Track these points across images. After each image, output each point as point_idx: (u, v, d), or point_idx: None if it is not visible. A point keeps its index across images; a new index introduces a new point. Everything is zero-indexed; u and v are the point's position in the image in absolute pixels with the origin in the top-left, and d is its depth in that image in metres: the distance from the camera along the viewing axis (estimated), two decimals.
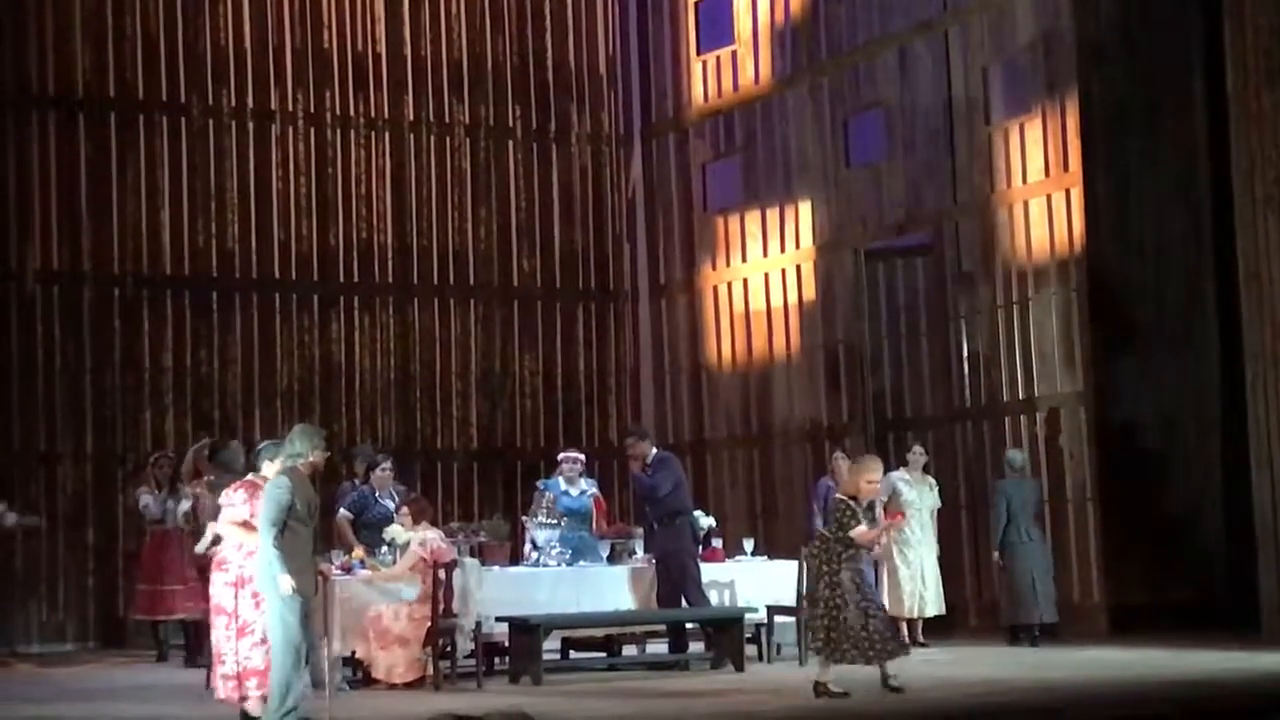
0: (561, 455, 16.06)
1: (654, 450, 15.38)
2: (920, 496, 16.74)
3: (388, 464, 15.45)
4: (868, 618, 12.20)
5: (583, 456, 16.20)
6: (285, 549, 10.86)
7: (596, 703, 12.54)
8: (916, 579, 16.54)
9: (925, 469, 17.08)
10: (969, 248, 18.92)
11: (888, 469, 17.44)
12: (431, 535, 13.94)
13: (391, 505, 15.05)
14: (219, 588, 11.62)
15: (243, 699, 11.43)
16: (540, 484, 15.96)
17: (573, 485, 15.66)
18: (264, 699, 11.22)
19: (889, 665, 12.29)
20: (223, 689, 11.59)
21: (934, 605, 16.70)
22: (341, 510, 15.13)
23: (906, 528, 16.56)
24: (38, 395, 19.48)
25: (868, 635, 12.16)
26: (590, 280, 22.74)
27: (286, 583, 10.83)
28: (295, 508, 10.96)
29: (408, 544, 13.86)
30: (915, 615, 16.59)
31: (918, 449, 17.17)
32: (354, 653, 13.72)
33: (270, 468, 11.43)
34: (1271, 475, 16.04)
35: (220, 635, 11.60)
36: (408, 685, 13.43)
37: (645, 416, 22.07)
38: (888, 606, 16.41)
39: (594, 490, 16.02)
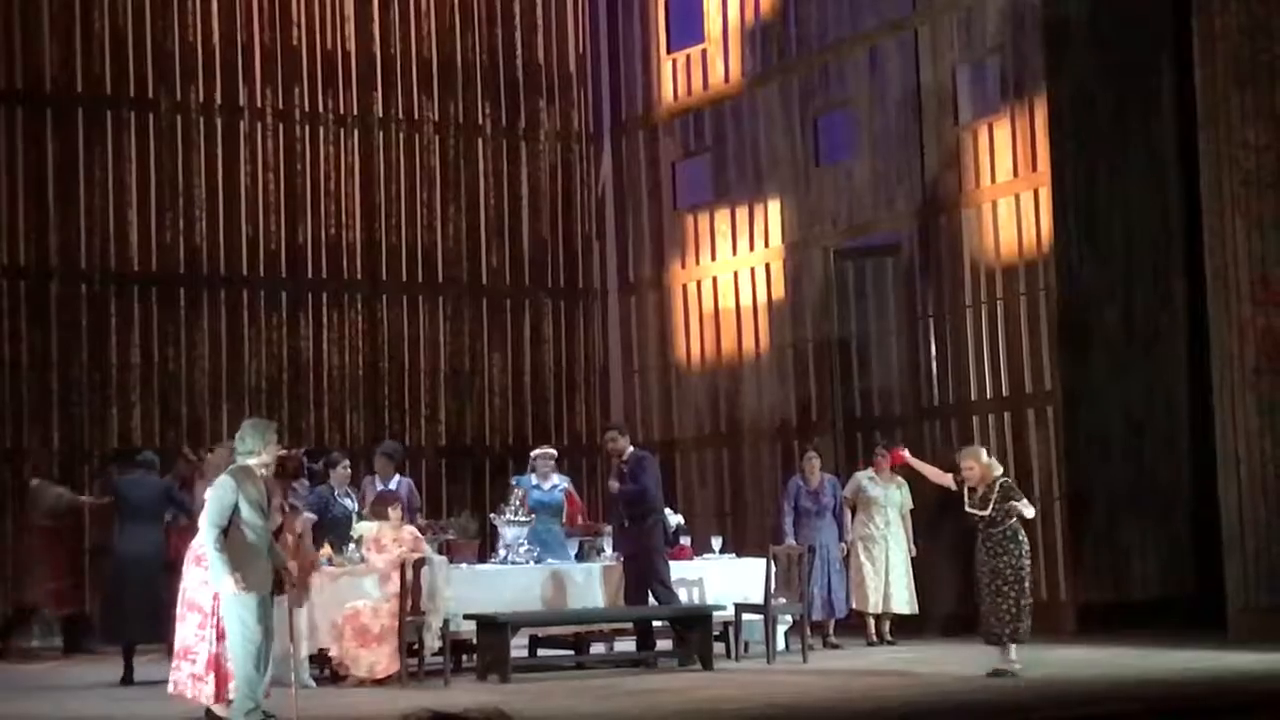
0: (536, 451, 16.12)
1: (631, 448, 15.37)
2: (886, 495, 16.76)
3: (346, 462, 15.45)
4: (984, 598, 13.23)
5: (555, 452, 16.27)
6: (228, 549, 10.81)
7: (565, 700, 12.53)
8: (881, 576, 16.56)
9: (892, 468, 17.08)
10: (938, 247, 18.95)
11: (855, 468, 17.52)
12: (408, 531, 14.00)
13: (350, 504, 15.06)
14: (196, 585, 11.51)
15: (229, 701, 11.31)
16: (515, 480, 16.02)
17: (545, 480, 15.73)
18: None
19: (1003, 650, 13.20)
20: (191, 688, 11.45)
21: (904, 603, 16.71)
22: (305, 512, 15.04)
23: (870, 525, 16.63)
24: (4, 391, 19.38)
25: (986, 616, 13.19)
26: (559, 278, 22.72)
27: (228, 584, 10.77)
28: (240, 508, 10.90)
29: (376, 540, 13.84)
30: (881, 612, 16.62)
31: (881, 450, 17.18)
32: (320, 650, 13.70)
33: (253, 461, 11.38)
34: (1238, 475, 16.09)
35: (191, 632, 11.48)
36: (375, 682, 13.41)
37: (614, 414, 22.05)
38: (854, 603, 16.51)
39: (566, 485, 16.09)
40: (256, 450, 11.14)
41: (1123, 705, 11.71)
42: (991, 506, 13.21)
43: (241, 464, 11.10)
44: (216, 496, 10.95)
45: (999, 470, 13.49)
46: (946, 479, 13.95)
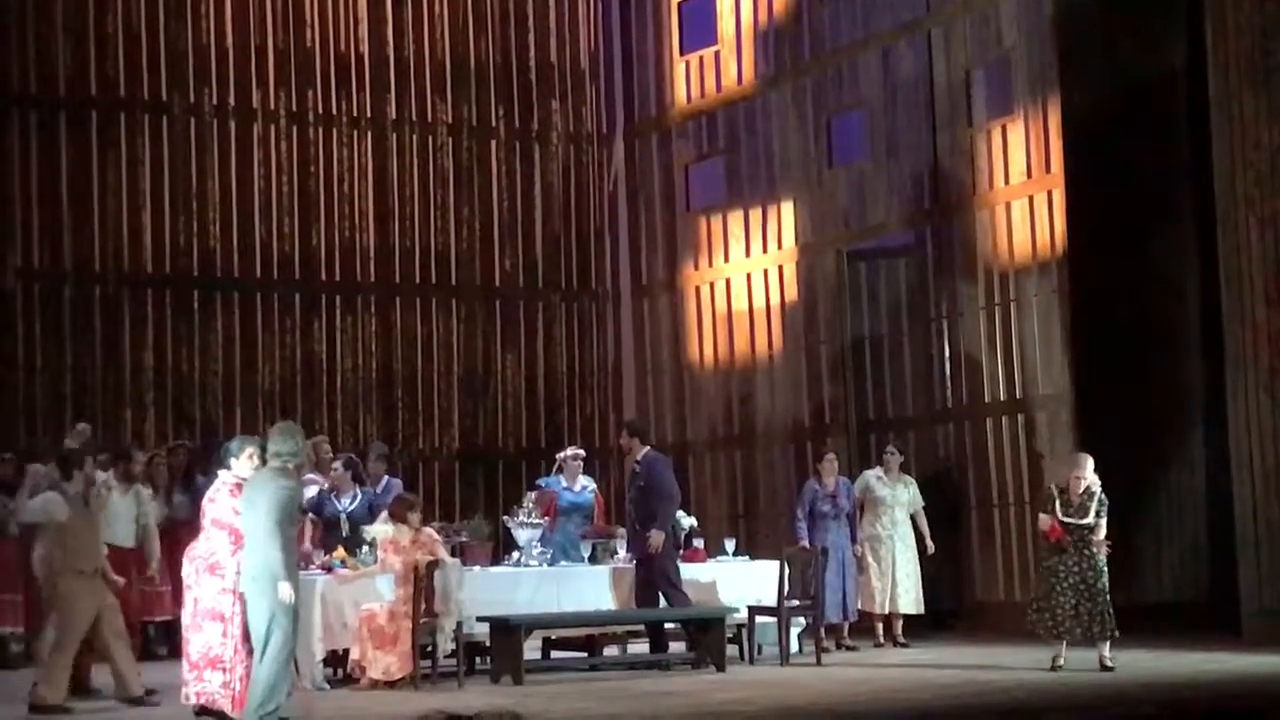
0: (569, 452, 16.13)
1: (646, 449, 15.33)
2: (894, 495, 16.76)
3: (338, 464, 15.44)
4: (1079, 598, 13.72)
5: (584, 453, 16.32)
6: (285, 553, 10.79)
7: (578, 703, 12.54)
8: (886, 576, 16.54)
9: (902, 468, 17.07)
10: (951, 249, 18.93)
11: (868, 469, 17.48)
12: (427, 533, 14.02)
13: (346, 502, 15.06)
14: (214, 594, 11.43)
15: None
16: (541, 482, 16.06)
17: (574, 481, 15.78)
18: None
19: (1103, 647, 13.78)
20: (223, 698, 11.36)
21: (910, 604, 16.69)
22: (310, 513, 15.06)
23: (877, 525, 16.62)
24: (18, 394, 19.43)
25: (1076, 616, 13.71)
26: (572, 280, 22.72)
27: (288, 589, 10.74)
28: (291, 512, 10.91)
29: (394, 542, 13.84)
30: (887, 612, 16.60)
31: (890, 449, 17.19)
32: (334, 652, 13.73)
33: (242, 465, 11.35)
34: (1252, 476, 16.07)
35: (216, 641, 11.41)
36: (389, 684, 13.42)
37: (627, 417, 22.02)
38: (860, 603, 16.50)
39: (593, 486, 16.12)
40: (296, 454, 11.09)
41: (1136, 708, 11.70)
42: (1093, 514, 13.86)
43: (281, 466, 11.00)
44: (283, 500, 10.81)
45: (1098, 482, 14.02)
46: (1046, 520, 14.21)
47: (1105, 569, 13.89)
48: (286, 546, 10.81)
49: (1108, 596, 13.85)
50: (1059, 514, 13.88)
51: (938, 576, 18.00)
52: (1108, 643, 13.83)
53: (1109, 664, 13.76)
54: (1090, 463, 14.02)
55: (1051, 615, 13.83)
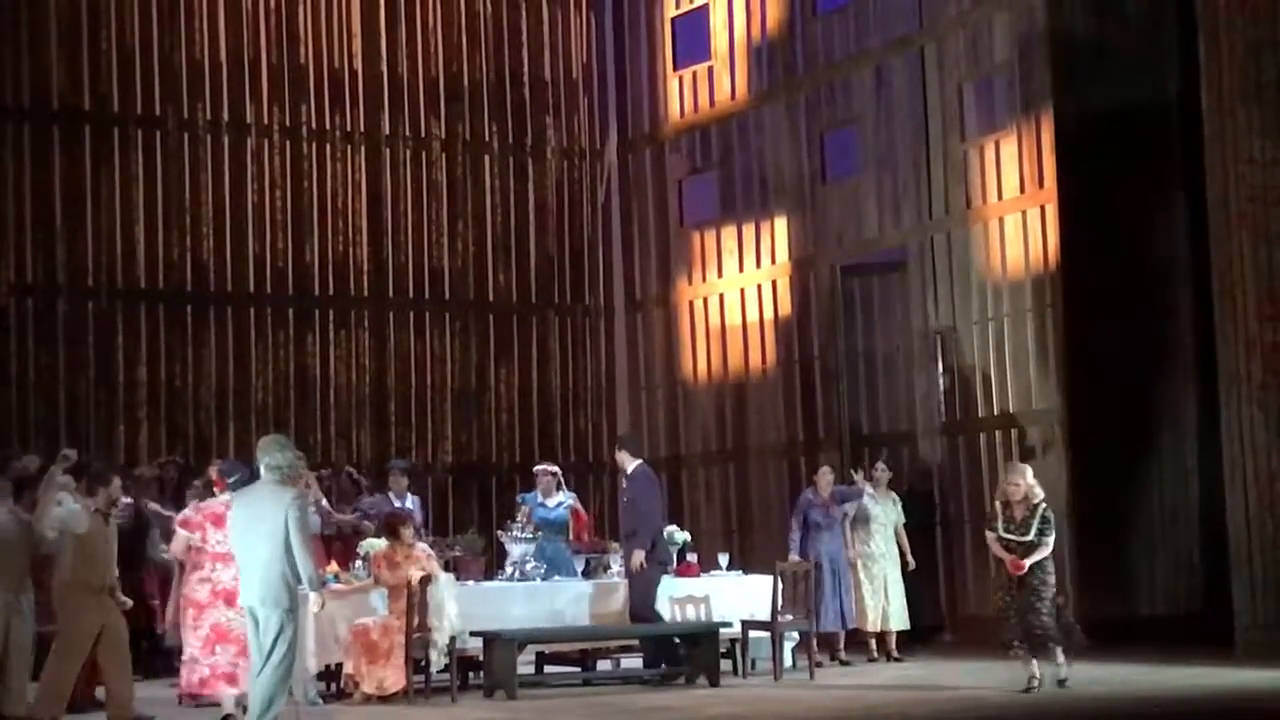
0: (539, 468, 16.17)
1: (636, 463, 15.31)
2: (884, 512, 16.76)
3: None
4: (1026, 615, 13.21)
5: (555, 469, 16.28)
6: (312, 563, 10.81)
7: (571, 717, 12.53)
8: (879, 593, 16.53)
9: (890, 485, 17.06)
10: (944, 264, 18.94)
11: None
12: (421, 548, 14.02)
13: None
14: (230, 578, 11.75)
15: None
16: (520, 497, 16.10)
17: (549, 497, 15.75)
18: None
19: (1060, 660, 13.27)
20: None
21: (898, 619, 16.68)
22: None
23: (871, 542, 16.60)
24: (11, 408, 19.41)
25: (1027, 631, 13.22)
26: (566, 294, 22.74)
27: (316, 602, 10.76)
28: None
29: (387, 557, 13.83)
30: (880, 629, 16.59)
31: (880, 465, 17.19)
32: (329, 667, 13.72)
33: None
34: (1245, 491, 16.06)
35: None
36: (382, 699, 13.40)
37: (620, 432, 22.02)
38: (854, 620, 16.47)
39: (571, 502, 16.09)
40: (291, 463, 11.06)
41: None
42: (1034, 531, 13.32)
43: (279, 479, 10.92)
44: (305, 509, 10.81)
45: (1041, 494, 13.58)
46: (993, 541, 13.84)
47: (1043, 590, 13.28)
48: (311, 556, 10.80)
49: (1044, 618, 13.22)
50: (1000, 530, 13.47)
51: (930, 591, 18.02)
52: (1057, 662, 13.33)
53: (1061, 677, 13.28)
54: (1028, 472, 13.64)
55: (1011, 632, 13.40)
